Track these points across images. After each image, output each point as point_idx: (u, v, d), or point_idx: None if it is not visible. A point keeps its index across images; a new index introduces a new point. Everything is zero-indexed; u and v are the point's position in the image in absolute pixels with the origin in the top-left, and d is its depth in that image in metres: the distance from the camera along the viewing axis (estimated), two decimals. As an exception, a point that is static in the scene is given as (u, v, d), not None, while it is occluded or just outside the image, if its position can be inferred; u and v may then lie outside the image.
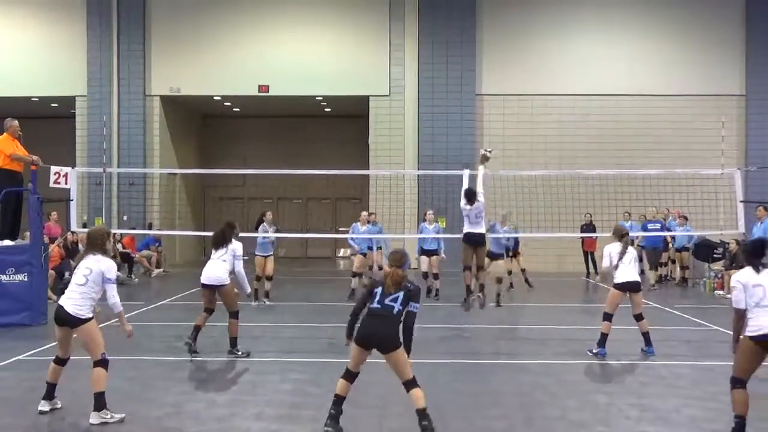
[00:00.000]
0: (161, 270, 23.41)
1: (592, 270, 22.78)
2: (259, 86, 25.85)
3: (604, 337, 10.56)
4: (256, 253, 15.77)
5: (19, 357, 10.24)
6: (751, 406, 6.72)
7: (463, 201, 12.36)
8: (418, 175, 24.47)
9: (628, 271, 10.75)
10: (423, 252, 17.11)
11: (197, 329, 10.53)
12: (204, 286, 10.63)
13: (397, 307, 6.88)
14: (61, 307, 7.40)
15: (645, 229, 20.32)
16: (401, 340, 6.88)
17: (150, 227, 24.39)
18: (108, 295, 7.55)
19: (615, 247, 10.84)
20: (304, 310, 15.27)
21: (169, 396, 8.25)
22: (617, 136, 25.08)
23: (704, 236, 19.91)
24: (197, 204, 30.68)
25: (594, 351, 10.53)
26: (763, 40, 25.08)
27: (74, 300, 7.38)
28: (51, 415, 7.50)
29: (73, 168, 15.20)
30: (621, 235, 10.98)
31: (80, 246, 18.81)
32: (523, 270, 19.36)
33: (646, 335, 10.77)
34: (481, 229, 12.43)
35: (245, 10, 25.99)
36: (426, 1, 25.44)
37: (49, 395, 7.61)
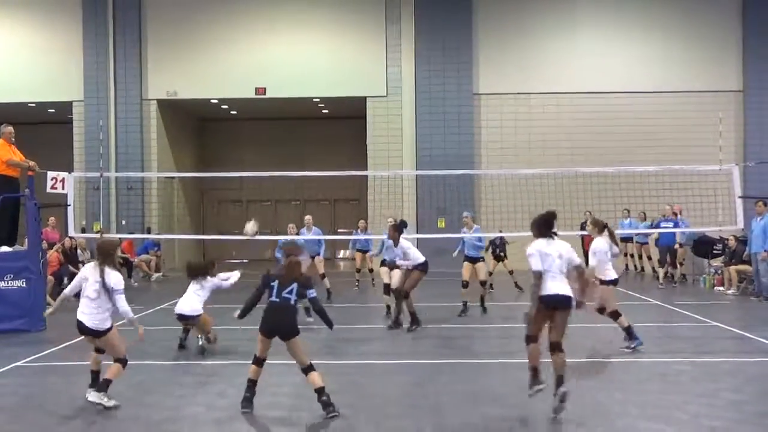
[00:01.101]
0: (160, 274, 23.40)
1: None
2: (256, 89, 25.83)
3: (629, 329, 10.56)
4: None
5: (18, 363, 10.21)
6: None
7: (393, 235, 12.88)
8: (416, 176, 24.44)
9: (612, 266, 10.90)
10: (384, 263, 14.91)
11: (187, 331, 11.21)
12: (179, 317, 11.09)
13: (292, 298, 7.55)
14: (81, 321, 7.77)
15: (658, 227, 20.27)
16: (299, 329, 7.58)
17: (149, 231, 24.38)
18: (117, 305, 7.78)
19: (602, 242, 10.69)
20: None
21: (169, 400, 8.23)
22: (615, 133, 25.04)
23: (703, 232, 19.88)
24: (196, 208, 30.66)
25: (632, 346, 10.49)
26: (760, 36, 25.05)
27: (92, 315, 7.72)
28: (46, 420, 7.48)
29: (70, 173, 15.16)
30: (602, 227, 10.87)
31: (78, 251, 18.80)
32: (511, 272, 18.69)
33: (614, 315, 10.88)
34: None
35: (241, 13, 25.98)
36: (422, 2, 25.42)
37: (96, 383, 7.90)
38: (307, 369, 7.53)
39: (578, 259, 7.85)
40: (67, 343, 11.62)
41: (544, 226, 7.79)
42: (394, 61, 25.62)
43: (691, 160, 20.56)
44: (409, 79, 25.54)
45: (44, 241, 15.74)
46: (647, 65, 25.49)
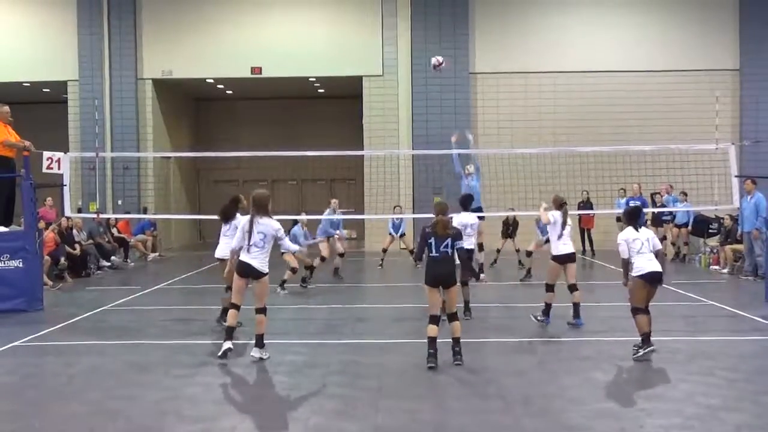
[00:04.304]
0: (157, 254, 23.37)
1: (588, 248, 22.80)
2: (252, 68, 25.69)
3: (548, 307, 11.17)
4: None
5: (16, 343, 10.22)
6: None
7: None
8: (412, 155, 24.40)
9: (567, 243, 11.30)
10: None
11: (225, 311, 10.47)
12: (218, 259, 11.36)
13: (449, 250, 8.57)
14: (248, 263, 8.94)
15: (627, 205, 20.30)
16: (458, 278, 8.79)
17: (145, 211, 24.35)
18: (284, 246, 9.33)
19: (557, 214, 11.34)
20: (298, 291, 15.25)
21: (167, 379, 8.25)
22: (612, 112, 24.99)
23: (699, 212, 19.93)
24: (192, 187, 30.62)
25: (540, 318, 11.17)
26: (756, 14, 24.94)
27: (260, 259, 8.96)
28: (44, 400, 7.52)
29: (65, 153, 15.11)
30: (560, 204, 11.50)
31: (74, 231, 18.73)
32: (517, 250, 19.11)
33: (576, 306, 11.09)
34: None
35: (236, -9, 25.82)
36: (418, -20, 25.25)
37: (230, 336, 9.11)
38: (452, 316, 8.57)
39: (659, 244, 9.33)
40: (65, 323, 11.65)
41: (632, 218, 9.28)
42: (389, 40, 25.48)
43: (687, 139, 20.55)
44: (404, 58, 25.41)
45: (41, 220, 15.74)
46: (644, 44, 25.39)
